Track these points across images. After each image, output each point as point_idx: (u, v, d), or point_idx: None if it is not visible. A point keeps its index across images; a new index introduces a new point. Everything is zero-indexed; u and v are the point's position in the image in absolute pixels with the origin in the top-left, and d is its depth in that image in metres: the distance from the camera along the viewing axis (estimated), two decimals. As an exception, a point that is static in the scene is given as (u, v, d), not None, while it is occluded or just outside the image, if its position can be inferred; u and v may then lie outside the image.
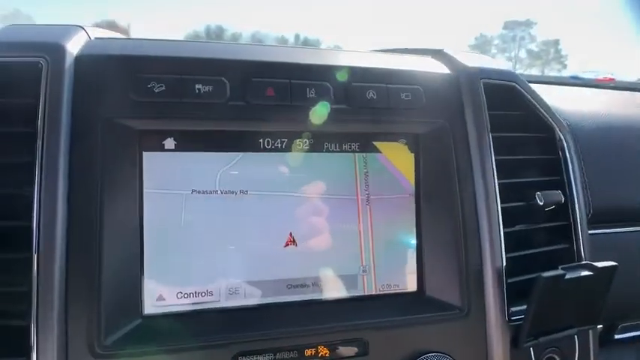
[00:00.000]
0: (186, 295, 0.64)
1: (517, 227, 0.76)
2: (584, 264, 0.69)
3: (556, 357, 0.75)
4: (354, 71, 0.70)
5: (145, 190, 0.63)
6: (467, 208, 0.72)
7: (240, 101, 0.65)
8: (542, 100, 0.82)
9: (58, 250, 0.56)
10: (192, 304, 0.64)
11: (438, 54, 0.82)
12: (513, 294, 0.72)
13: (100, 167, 0.59)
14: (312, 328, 0.63)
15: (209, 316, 0.64)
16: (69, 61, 0.60)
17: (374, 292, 0.71)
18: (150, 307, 0.62)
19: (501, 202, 0.73)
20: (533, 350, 0.71)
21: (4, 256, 0.55)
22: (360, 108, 0.69)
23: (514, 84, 0.79)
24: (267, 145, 0.68)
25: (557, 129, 0.82)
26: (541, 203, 0.76)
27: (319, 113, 0.67)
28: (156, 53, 0.64)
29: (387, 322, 0.66)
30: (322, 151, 0.70)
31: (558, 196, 0.77)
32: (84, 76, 0.61)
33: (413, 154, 0.73)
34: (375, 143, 0.72)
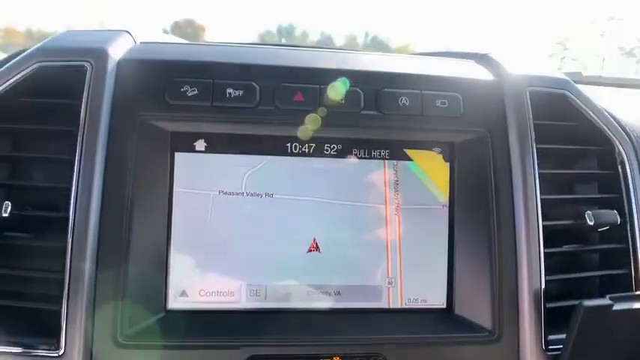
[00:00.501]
0: (208, 294, 0.65)
1: (563, 248, 0.70)
2: (638, 295, 0.62)
3: (604, 396, 0.68)
4: (386, 76, 0.68)
5: (174, 189, 0.65)
6: (504, 224, 0.67)
7: (270, 106, 0.65)
8: (599, 109, 0.75)
9: (90, 242, 0.59)
10: (214, 302, 0.65)
11: (482, 58, 0.78)
12: (554, 321, 0.66)
13: (134, 166, 0.62)
14: (329, 338, 0.62)
15: (228, 316, 0.64)
16: (111, 65, 0.64)
17: (399, 306, 0.68)
18: (173, 302, 0.65)
19: (545, 220, 0.68)
20: (575, 385, 0.65)
21: (41, 244, 0.60)
22: (391, 115, 0.67)
23: (565, 91, 0.73)
24: (295, 150, 0.68)
25: (617, 142, 0.75)
26: (591, 223, 0.69)
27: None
28: (191, 58, 0.67)
29: (409, 339, 0.63)
30: (350, 157, 0.68)
31: (613, 216, 0.70)
32: (124, 79, 0.64)
33: (448, 164, 0.70)
34: (406, 151, 0.69)
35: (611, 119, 0.76)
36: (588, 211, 0.69)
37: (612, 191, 0.75)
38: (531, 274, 0.65)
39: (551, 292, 0.68)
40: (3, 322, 0.60)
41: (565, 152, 0.74)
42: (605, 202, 0.73)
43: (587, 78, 1.21)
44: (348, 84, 0.66)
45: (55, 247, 0.59)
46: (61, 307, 0.58)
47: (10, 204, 0.60)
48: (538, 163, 0.69)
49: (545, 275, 0.66)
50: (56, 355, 0.57)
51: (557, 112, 0.74)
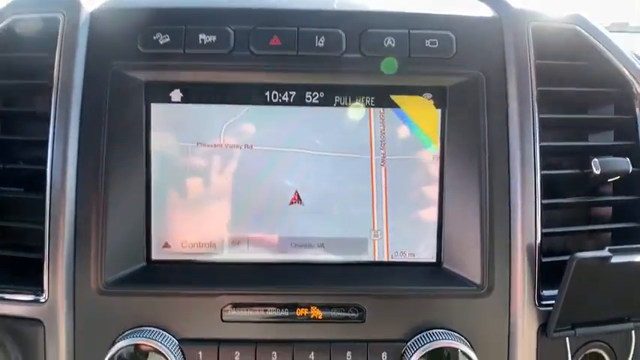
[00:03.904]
0: (190, 245, 0.65)
1: (564, 200, 0.65)
2: (638, 247, 0.57)
3: (603, 354, 0.64)
4: (369, 15, 0.63)
5: (152, 141, 0.64)
6: (497, 174, 0.62)
7: (245, 51, 0.62)
8: (616, 47, 0.67)
9: (68, 193, 0.60)
10: (196, 254, 0.65)
11: None
12: (551, 276, 0.62)
13: (109, 117, 0.61)
14: (307, 287, 0.61)
15: (210, 267, 0.65)
16: (84, 16, 0.63)
17: (385, 259, 0.66)
18: (156, 253, 0.65)
19: (545, 169, 0.62)
20: (569, 342, 0.61)
21: (21, 196, 0.61)
22: (376, 57, 0.63)
23: (575, 27, 0.65)
24: (274, 99, 0.65)
25: (636, 83, 0.67)
26: (597, 172, 0.63)
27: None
28: (163, 5, 0.64)
29: (390, 290, 0.61)
30: (333, 106, 0.65)
31: (623, 164, 0.64)
32: (97, 29, 0.63)
33: (439, 111, 0.65)
34: (393, 97, 0.65)
35: (630, 58, 0.68)
36: (595, 159, 0.63)
37: (628, 138, 0.68)
38: (525, 226, 0.61)
39: (552, 247, 0.64)
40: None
41: (573, 96, 0.67)
42: (618, 150, 0.67)
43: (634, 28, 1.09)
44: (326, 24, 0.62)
45: (34, 198, 0.60)
46: (43, 256, 0.59)
47: None
48: (539, 108, 0.63)
49: (544, 228, 0.62)
50: (40, 301, 0.59)
51: (567, 52, 0.67)
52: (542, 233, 0.62)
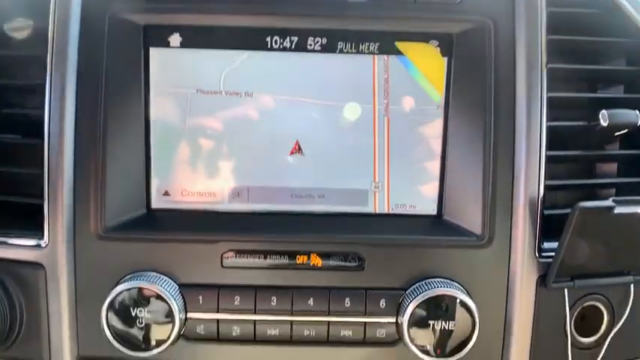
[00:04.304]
0: (190, 194, 0.65)
1: (569, 152, 0.64)
2: (644, 198, 0.56)
3: (600, 306, 0.64)
4: None
5: (151, 87, 0.63)
6: (502, 124, 0.61)
7: (245, -7, 0.60)
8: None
9: (67, 139, 0.59)
10: (196, 203, 0.65)
11: None
12: (553, 229, 0.61)
13: (106, 62, 0.60)
14: (308, 235, 0.61)
15: (210, 216, 0.64)
16: None
17: (385, 211, 0.66)
18: (156, 201, 0.65)
19: (551, 120, 0.61)
20: (567, 294, 0.61)
21: (20, 142, 0.61)
22: (381, 1, 0.60)
23: (589, -28, 0.62)
24: (275, 44, 0.63)
25: (651, 33, 0.65)
26: (605, 124, 0.61)
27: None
28: None
29: (389, 239, 0.61)
30: (336, 52, 0.63)
31: (632, 116, 0.62)
32: None
33: (445, 59, 0.63)
34: (398, 44, 0.63)
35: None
36: (603, 110, 0.62)
37: (638, 92, 0.66)
38: (529, 177, 0.60)
39: (556, 200, 0.63)
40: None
41: (584, 45, 0.65)
42: (627, 104, 0.65)
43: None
44: None
45: (33, 144, 0.60)
46: (43, 201, 0.59)
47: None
48: (548, 57, 0.61)
49: (547, 181, 0.61)
50: (40, 245, 0.60)
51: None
52: (545, 185, 0.61)
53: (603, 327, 0.64)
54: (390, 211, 0.66)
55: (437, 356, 0.59)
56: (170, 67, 0.63)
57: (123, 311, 0.58)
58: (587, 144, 0.66)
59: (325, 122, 0.64)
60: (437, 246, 0.61)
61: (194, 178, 0.65)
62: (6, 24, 0.61)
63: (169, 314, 0.58)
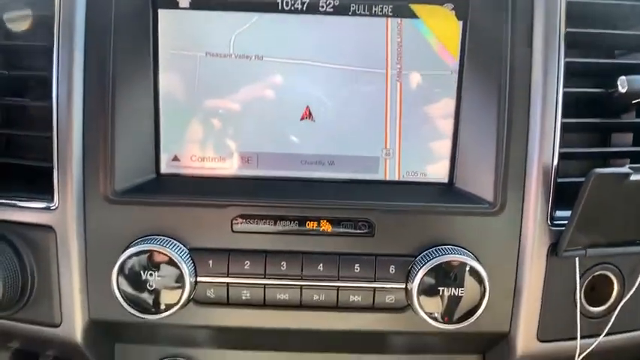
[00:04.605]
0: (200, 159, 0.65)
1: (585, 119, 0.63)
2: (661, 165, 0.55)
3: (611, 276, 0.64)
4: None
5: (159, 50, 0.62)
6: (518, 90, 0.60)
7: (255, -48, 0.58)
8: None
9: (76, 101, 0.59)
10: (206, 168, 0.65)
11: None
12: (565, 197, 0.60)
13: (115, 23, 0.59)
14: (318, 201, 0.61)
15: (219, 181, 0.64)
16: None
17: (396, 179, 0.65)
18: (165, 166, 0.64)
19: (567, 87, 0.60)
20: (578, 263, 0.61)
21: (28, 104, 0.60)
22: None
23: None
24: (286, 6, 0.61)
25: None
26: (623, 90, 0.60)
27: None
28: None
29: (400, 206, 0.61)
30: (348, 15, 0.61)
31: (651, 83, 0.60)
32: None
33: (460, 23, 0.62)
34: (412, 7, 0.61)
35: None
36: (622, 77, 0.60)
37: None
38: (543, 145, 0.59)
39: (569, 168, 0.62)
40: (1, 179, 0.62)
41: (605, 11, 0.63)
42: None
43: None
44: None
45: (41, 107, 0.59)
46: (52, 164, 0.59)
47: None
48: (566, 21, 0.59)
49: (562, 148, 0.60)
50: (50, 208, 0.59)
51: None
52: (559, 154, 0.60)
53: (613, 296, 0.64)
54: (401, 179, 0.65)
55: (445, 323, 0.59)
56: (179, 29, 0.61)
57: (133, 274, 0.58)
58: (603, 112, 0.65)
59: (336, 87, 0.63)
60: (448, 213, 0.61)
61: (203, 143, 0.64)
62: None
63: (180, 278, 0.58)
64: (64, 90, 0.58)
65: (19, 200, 0.61)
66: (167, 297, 0.59)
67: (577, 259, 0.61)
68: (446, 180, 0.65)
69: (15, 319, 0.63)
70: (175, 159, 0.65)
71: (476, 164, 0.62)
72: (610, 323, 0.63)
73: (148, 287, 0.58)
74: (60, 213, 0.59)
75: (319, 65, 0.63)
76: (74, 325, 0.62)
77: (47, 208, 0.60)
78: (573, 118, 0.61)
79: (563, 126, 0.59)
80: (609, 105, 0.64)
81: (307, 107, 0.63)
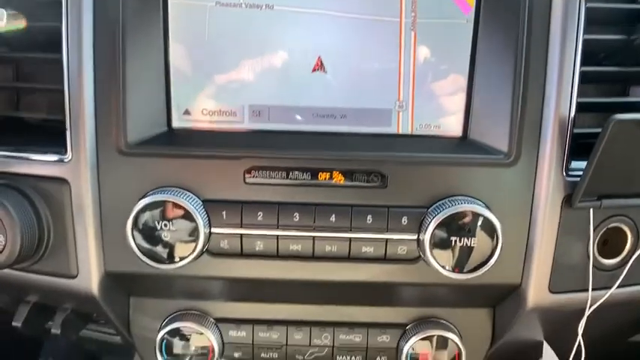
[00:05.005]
0: (211, 113, 0.64)
1: (604, 68, 0.61)
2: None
3: (625, 228, 0.64)
4: None
5: (169, 0, 0.60)
6: (536, 38, 0.58)
7: None
8: None
9: (86, 53, 0.58)
10: (217, 122, 0.64)
11: None
12: (581, 150, 0.60)
13: None
14: (330, 153, 0.60)
15: (231, 134, 0.64)
16: None
17: (409, 132, 0.65)
18: (177, 120, 0.64)
19: (587, 33, 0.58)
20: (593, 214, 0.61)
21: (39, 56, 0.60)
22: None
23: None
24: (297, -48, 0.60)
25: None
26: (645, 37, 0.58)
27: None
28: None
29: (413, 157, 0.60)
30: (361, -39, 0.60)
31: (673, 30, 0.59)
32: None
33: (476, -32, 0.60)
34: (426, -48, 0.59)
35: None
36: (643, 23, 0.58)
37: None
38: (560, 93, 0.58)
39: (586, 118, 0.61)
40: (15, 133, 0.62)
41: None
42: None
43: None
44: None
45: (52, 59, 0.59)
46: (64, 116, 0.59)
47: (4, 12, 0.58)
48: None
49: (579, 97, 0.59)
50: (63, 160, 0.60)
51: None
52: (577, 103, 0.59)
53: (626, 249, 0.64)
54: (414, 132, 0.64)
55: (457, 273, 0.59)
56: (188, -23, 0.60)
57: (148, 226, 0.59)
58: (623, 63, 0.63)
59: (349, 37, 0.62)
60: (461, 164, 0.60)
61: (214, 96, 0.64)
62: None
63: (194, 228, 0.58)
64: (75, 41, 0.58)
65: (32, 153, 0.62)
66: (181, 248, 0.59)
67: (591, 210, 0.60)
68: (460, 133, 0.64)
69: (32, 271, 0.64)
70: (187, 113, 0.64)
71: (491, 116, 0.61)
72: (622, 275, 0.63)
73: (163, 238, 0.59)
74: (73, 165, 0.60)
75: (331, 14, 0.61)
76: (90, 276, 0.63)
77: (61, 161, 0.60)
78: (592, 67, 0.59)
79: (582, 75, 0.58)
80: (629, 54, 0.62)
81: (319, 58, 0.62)
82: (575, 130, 0.59)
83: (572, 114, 0.59)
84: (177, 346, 0.70)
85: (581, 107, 0.60)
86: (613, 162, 0.56)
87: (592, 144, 0.55)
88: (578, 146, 0.60)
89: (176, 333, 0.69)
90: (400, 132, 0.65)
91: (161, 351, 0.70)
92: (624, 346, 0.94)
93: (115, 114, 0.59)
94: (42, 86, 0.62)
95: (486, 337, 0.73)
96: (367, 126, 0.65)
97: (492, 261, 0.59)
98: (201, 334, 0.69)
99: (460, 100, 0.63)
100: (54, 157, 0.61)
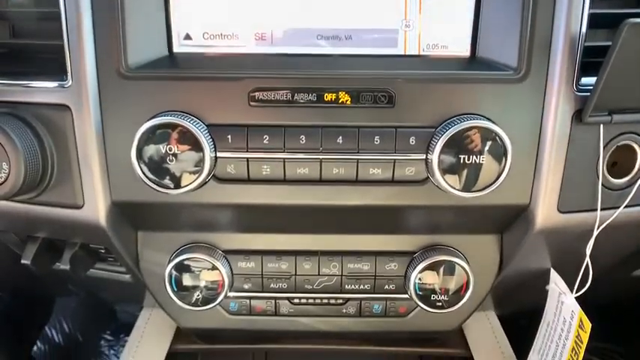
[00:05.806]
0: (212, 37, 0.63)
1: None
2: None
3: (635, 146, 0.63)
4: None
5: None
6: None
7: None
8: None
9: None
10: (219, 46, 0.63)
11: None
12: (592, 67, 0.58)
13: None
14: (336, 73, 0.59)
15: (234, 57, 0.62)
16: None
17: (416, 53, 0.63)
18: (177, 45, 0.63)
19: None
20: (603, 130, 0.60)
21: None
22: None
23: None
24: None
25: None
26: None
27: None
28: None
29: (420, 75, 0.59)
30: None
31: None
32: None
33: None
34: None
35: None
36: None
37: None
38: (572, 4, 0.56)
39: (597, 32, 0.60)
40: (15, 64, 0.61)
41: None
42: None
43: None
44: None
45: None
46: (62, 40, 0.57)
47: None
48: None
49: (592, 9, 0.57)
50: (64, 86, 0.59)
51: None
52: (589, 14, 0.57)
53: (636, 168, 0.64)
54: (421, 52, 0.63)
55: (467, 191, 0.59)
56: None
57: (153, 151, 0.58)
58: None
59: (353, -48, 0.60)
60: (470, 81, 0.59)
61: (215, 19, 0.62)
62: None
63: (199, 152, 0.57)
64: None
65: (33, 81, 0.60)
66: (187, 173, 0.58)
67: (601, 126, 0.59)
68: (468, 53, 0.63)
69: (38, 203, 0.64)
70: (187, 37, 0.63)
71: (500, 31, 0.60)
72: (631, 194, 0.63)
73: (169, 163, 0.58)
74: (74, 90, 0.59)
75: None
76: (97, 206, 0.62)
77: (61, 87, 0.59)
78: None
79: None
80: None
81: (322, -24, 0.60)
82: (587, 44, 0.58)
83: (584, 27, 0.57)
84: (187, 279, 0.70)
85: (592, 22, 0.58)
86: (625, 73, 0.54)
87: (602, 62, 0.53)
88: (588, 65, 0.59)
89: (185, 266, 0.69)
90: (407, 53, 0.63)
91: (171, 284, 0.70)
92: (628, 281, 0.95)
93: (115, 36, 0.57)
94: (37, 9, 0.60)
95: (494, 264, 0.73)
96: (373, 47, 0.63)
97: (501, 179, 0.58)
98: (211, 266, 0.69)
99: (468, 17, 0.62)
100: (54, 84, 0.59)
